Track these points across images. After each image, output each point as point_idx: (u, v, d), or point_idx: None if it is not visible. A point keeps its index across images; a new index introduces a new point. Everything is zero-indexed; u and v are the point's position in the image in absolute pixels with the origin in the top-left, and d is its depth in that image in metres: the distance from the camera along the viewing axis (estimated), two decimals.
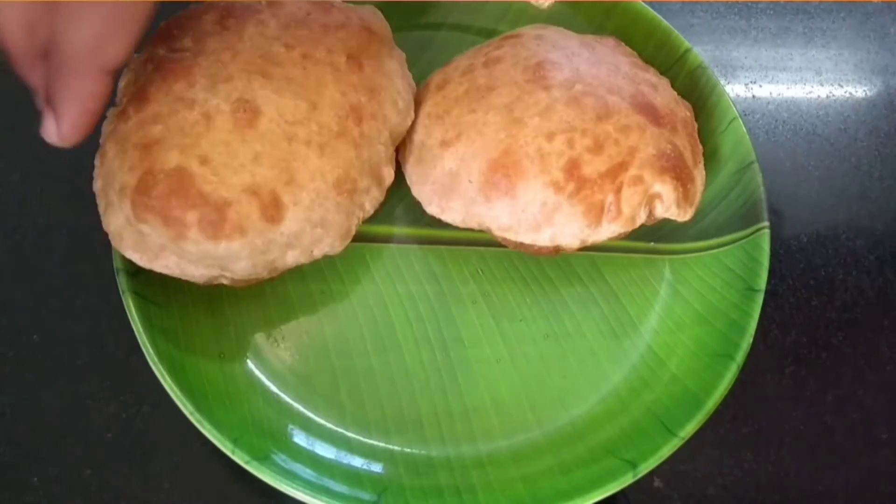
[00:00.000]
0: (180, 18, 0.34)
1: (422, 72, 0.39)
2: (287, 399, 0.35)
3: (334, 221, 0.32)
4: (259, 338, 0.35)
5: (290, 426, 0.34)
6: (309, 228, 0.32)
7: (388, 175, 0.35)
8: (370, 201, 0.34)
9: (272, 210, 0.31)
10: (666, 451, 0.32)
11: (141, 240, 0.31)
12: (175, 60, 0.32)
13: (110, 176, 0.31)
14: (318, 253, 0.33)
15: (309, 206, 0.31)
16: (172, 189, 0.30)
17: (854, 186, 0.45)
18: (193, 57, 0.32)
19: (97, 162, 0.32)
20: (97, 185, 0.32)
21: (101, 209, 0.32)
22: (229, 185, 0.30)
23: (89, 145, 0.42)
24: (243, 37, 0.33)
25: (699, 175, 0.36)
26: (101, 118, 0.26)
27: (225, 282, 0.33)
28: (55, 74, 0.25)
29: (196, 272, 0.31)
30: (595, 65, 0.36)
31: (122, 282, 0.33)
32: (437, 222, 0.37)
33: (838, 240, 0.43)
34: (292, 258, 0.32)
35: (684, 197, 0.34)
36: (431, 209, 0.36)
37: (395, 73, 0.36)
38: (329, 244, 0.33)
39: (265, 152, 0.31)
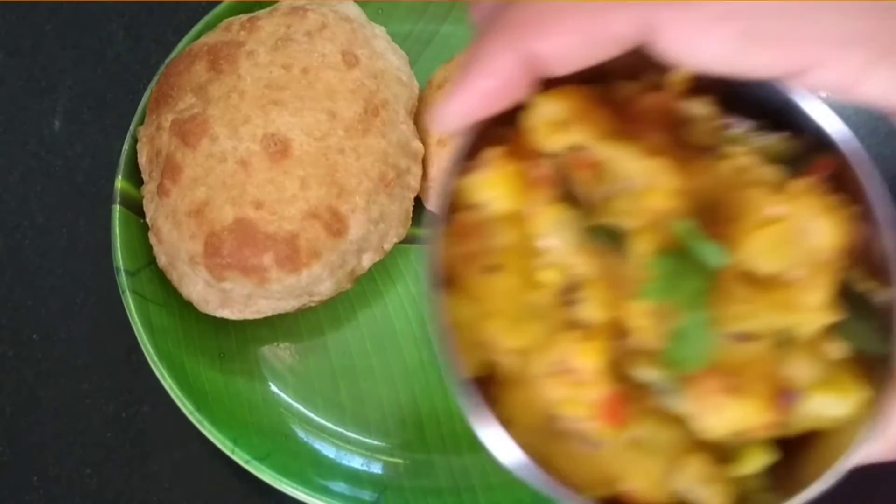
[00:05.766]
0: (169, 77, 0.34)
1: (423, 69, 0.39)
2: (287, 399, 0.34)
3: (391, 212, 0.34)
4: (259, 338, 0.35)
5: (291, 426, 0.34)
6: (373, 228, 0.33)
7: (419, 148, 0.35)
8: (413, 178, 0.35)
9: (336, 225, 0.32)
10: None
11: (227, 297, 0.32)
12: (188, 120, 0.32)
13: (173, 249, 0.32)
14: (387, 246, 0.34)
15: (366, 208, 0.32)
16: (240, 241, 0.31)
17: None
18: (203, 111, 0.32)
19: (153, 241, 0.33)
20: (162, 262, 0.33)
21: (174, 282, 0.33)
22: (289, 217, 0.31)
23: (92, 146, 0.42)
24: (241, 74, 0.33)
25: None
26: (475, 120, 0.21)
27: (313, 305, 0.33)
28: (478, 38, 0.21)
29: (287, 305, 0.33)
30: None
31: (122, 282, 0.33)
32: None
33: None
34: (368, 260, 0.33)
35: None
36: (431, 206, 0.36)
37: (386, 51, 0.36)
38: (395, 234, 0.34)
39: (309, 175, 0.32)
